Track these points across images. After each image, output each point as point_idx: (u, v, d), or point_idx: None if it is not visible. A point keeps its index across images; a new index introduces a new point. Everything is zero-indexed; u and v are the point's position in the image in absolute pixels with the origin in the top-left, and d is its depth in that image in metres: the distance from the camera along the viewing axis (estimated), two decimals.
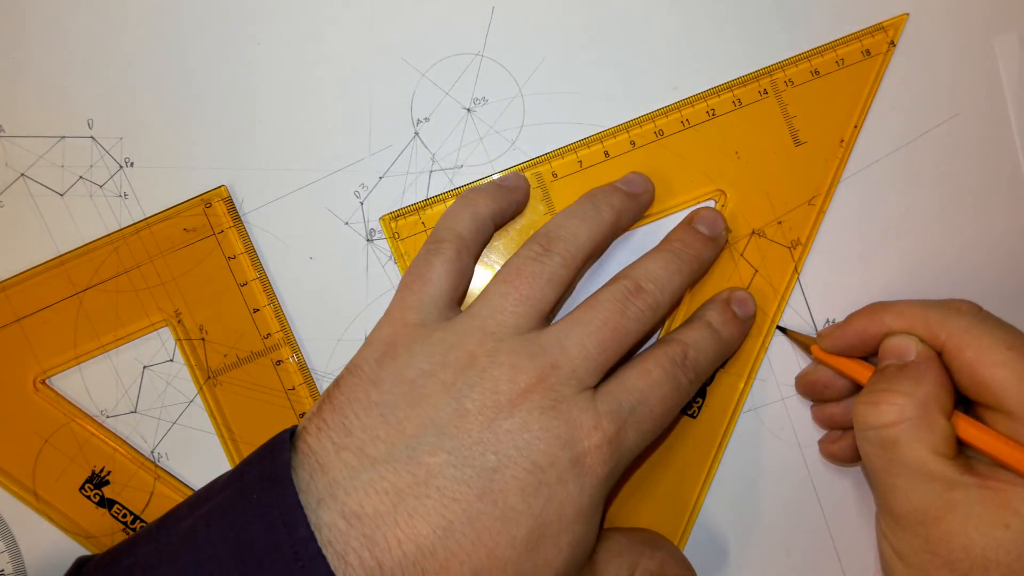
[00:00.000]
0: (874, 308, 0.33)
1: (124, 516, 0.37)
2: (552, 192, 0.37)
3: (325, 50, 0.37)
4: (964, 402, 0.31)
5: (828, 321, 0.37)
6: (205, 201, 0.37)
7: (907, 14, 0.37)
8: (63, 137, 0.37)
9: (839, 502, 0.37)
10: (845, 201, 0.37)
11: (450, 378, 0.30)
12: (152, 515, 0.37)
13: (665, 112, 0.37)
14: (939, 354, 0.30)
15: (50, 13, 0.37)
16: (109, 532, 0.37)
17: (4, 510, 0.37)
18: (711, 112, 0.37)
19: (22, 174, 0.37)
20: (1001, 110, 0.37)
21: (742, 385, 0.37)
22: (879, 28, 0.37)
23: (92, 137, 0.37)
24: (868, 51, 0.37)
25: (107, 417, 0.37)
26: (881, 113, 0.37)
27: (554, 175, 0.37)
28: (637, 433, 0.30)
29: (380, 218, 0.37)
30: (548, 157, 0.37)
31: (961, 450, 0.30)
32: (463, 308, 0.33)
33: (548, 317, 0.32)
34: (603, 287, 0.33)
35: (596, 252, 0.34)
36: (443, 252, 0.33)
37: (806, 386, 0.36)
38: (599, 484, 0.30)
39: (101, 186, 0.37)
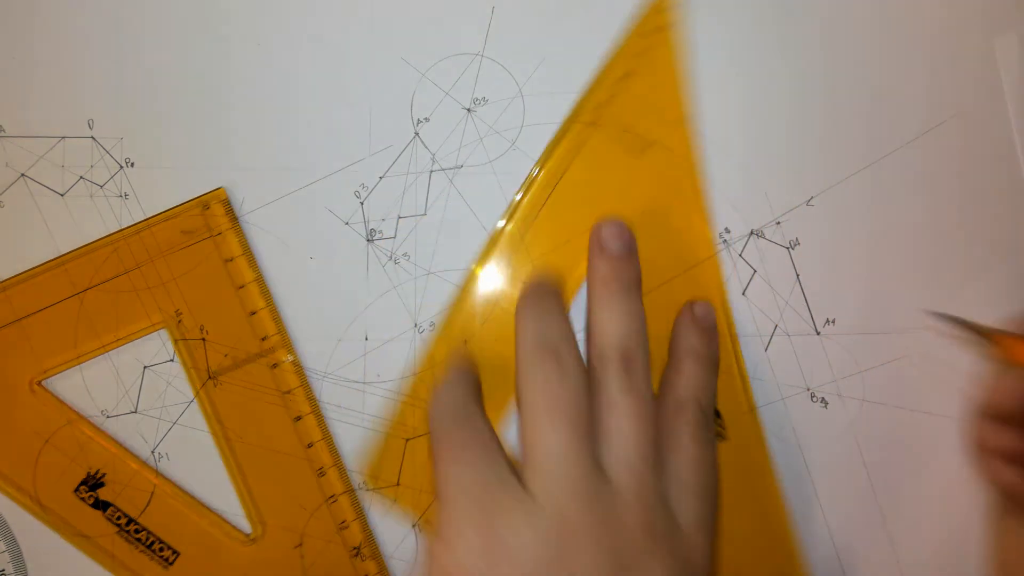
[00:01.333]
0: None
1: (119, 519, 0.37)
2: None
3: (325, 50, 0.37)
4: None
5: (828, 322, 0.37)
6: (203, 203, 0.37)
7: None
8: (63, 137, 0.37)
9: (840, 502, 0.37)
10: (845, 201, 0.37)
11: None
12: (150, 518, 0.37)
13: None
14: None
15: (50, 13, 0.37)
16: (104, 534, 0.37)
17: (4, 510, 0.37)
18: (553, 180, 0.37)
19: (22, 174, 0.37)
20: (1001, 110, 0.37)
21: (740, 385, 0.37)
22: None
23: (92, 137, 0.37)
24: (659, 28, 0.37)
25: (107, 417, 0.37)
26: (881, 113, 0.37)
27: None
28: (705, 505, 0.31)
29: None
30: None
31: None
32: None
33: None
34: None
35: None
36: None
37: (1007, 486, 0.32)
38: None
39: (101, 186, 0.37)
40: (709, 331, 0.34)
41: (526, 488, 0.29)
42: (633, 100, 0.37)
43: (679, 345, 0.35)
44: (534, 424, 0.30)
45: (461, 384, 0.33)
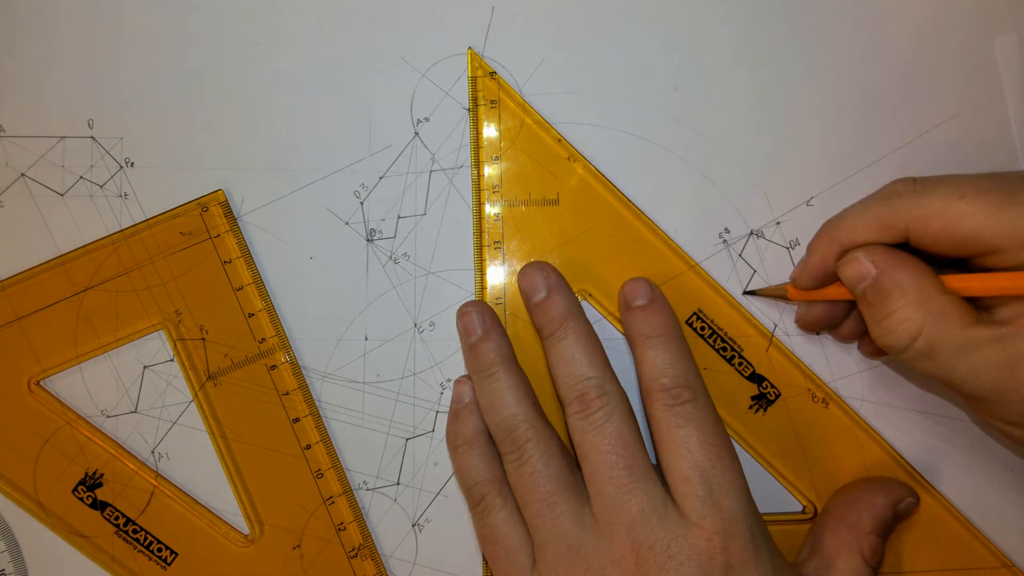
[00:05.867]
0: (827, 231, 0.33)
1: (117, 519, 0.37)
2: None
3: (325, 50, 0.37)
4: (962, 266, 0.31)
5: None
6: (202, 205, 0.37)
7: None
8: (63, 137, 0.37)
9: None
10: (845, 201, 0.37)
11: None
12: (149, 518, 0.37)
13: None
14: (905, 241, 0.31)
15: (50, 13, 0.37)
16: (102, 534, 0.37)
17: (4, 510, 0.37)
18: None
19: (22, 174, 0.37)
20: (1001, 110, 0.37)
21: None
22: None
23: (92, 137, 0.37)
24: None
25: (107, 417, 0.37)
26: (881, 113, 0.37)
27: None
28: (731, 488, 0.31)
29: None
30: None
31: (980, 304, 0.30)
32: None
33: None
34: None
35: None
36: (492, 504, 0.33)
37: (810, 325, 0.36)
38: (758, 565, 0.30)
39: (101, 186, 0.37)
40: (643, 307, 0.34)
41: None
42: (515, 178, 0.37)
43: (626, 336, 0.35)
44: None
45: (478, 455, 0.35)
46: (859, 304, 0.32)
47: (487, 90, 0.37)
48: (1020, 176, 0.29)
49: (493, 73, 0.37)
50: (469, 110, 0.37)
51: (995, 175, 0.29)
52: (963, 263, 0.30)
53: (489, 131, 0.37)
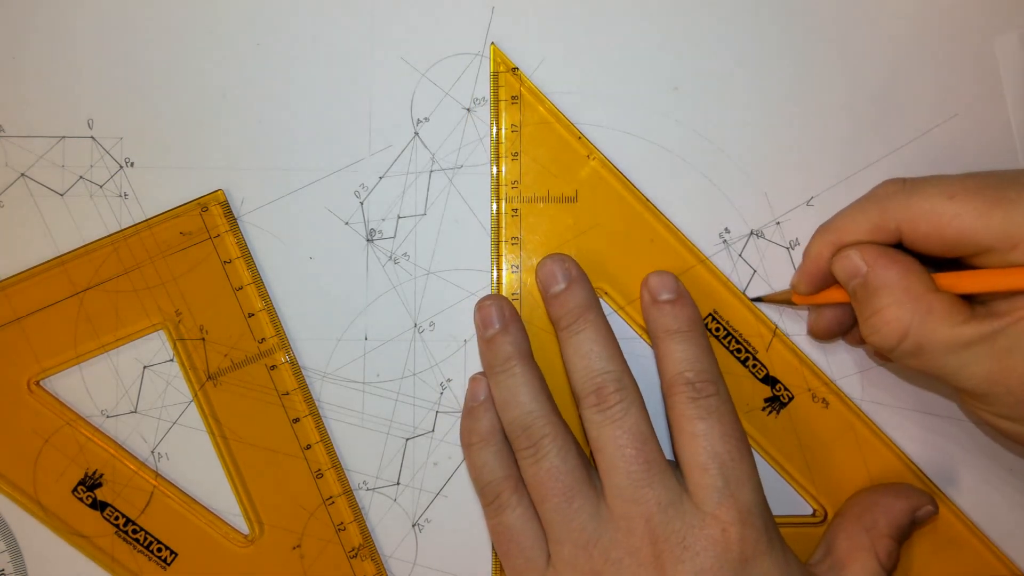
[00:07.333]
0: (821, 235, 0.33)
1: (117, 519, 0.37)
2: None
3: (325, 50, 0.37)
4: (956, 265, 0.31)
5: None
6: (202, 205, 0.37)
7: None
8: (63, 137, 0.37)
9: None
10: (845, 201, 0.37)
11: None
12: (149, 518, 0.37)
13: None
14: (899, 242, 0.31)
15: (51, 13, 0.37)
16: (102, 534, 0.37)
17: (4, 510, 0.37)
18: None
19: (22, 174, 0.37)
20: (1001, 110, 0.37)
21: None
22: None
23: (92, 137, 0.37)
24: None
25: (107, 417, 0.37)
26: (881, 113, 0.37)
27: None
28: (747, 481, 0.31)
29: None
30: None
31: (974, 300, 0.30)
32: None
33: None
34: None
35: None
36: (507, 502, 0.33)
37: (823, 332, 0.35)
38: (772, 556, 0.30)
39: (101, 186, 0.37)
40: (670, 301, 0.34)
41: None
42: (534, 173, 0.37)
43: (649, 329, 0.35)
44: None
45: (492, 453, 0.34)
46: (852, 302, 0.32)
47: (508, 86, 0.37)
48: (1009, 175, 0.29)
49: (515, 69, 0.37)
50: (490, 105, 0.37)
51: (984, 174, 0.29)
52: (958, 263, 0.30)
53: (509, 127, 0.37)
